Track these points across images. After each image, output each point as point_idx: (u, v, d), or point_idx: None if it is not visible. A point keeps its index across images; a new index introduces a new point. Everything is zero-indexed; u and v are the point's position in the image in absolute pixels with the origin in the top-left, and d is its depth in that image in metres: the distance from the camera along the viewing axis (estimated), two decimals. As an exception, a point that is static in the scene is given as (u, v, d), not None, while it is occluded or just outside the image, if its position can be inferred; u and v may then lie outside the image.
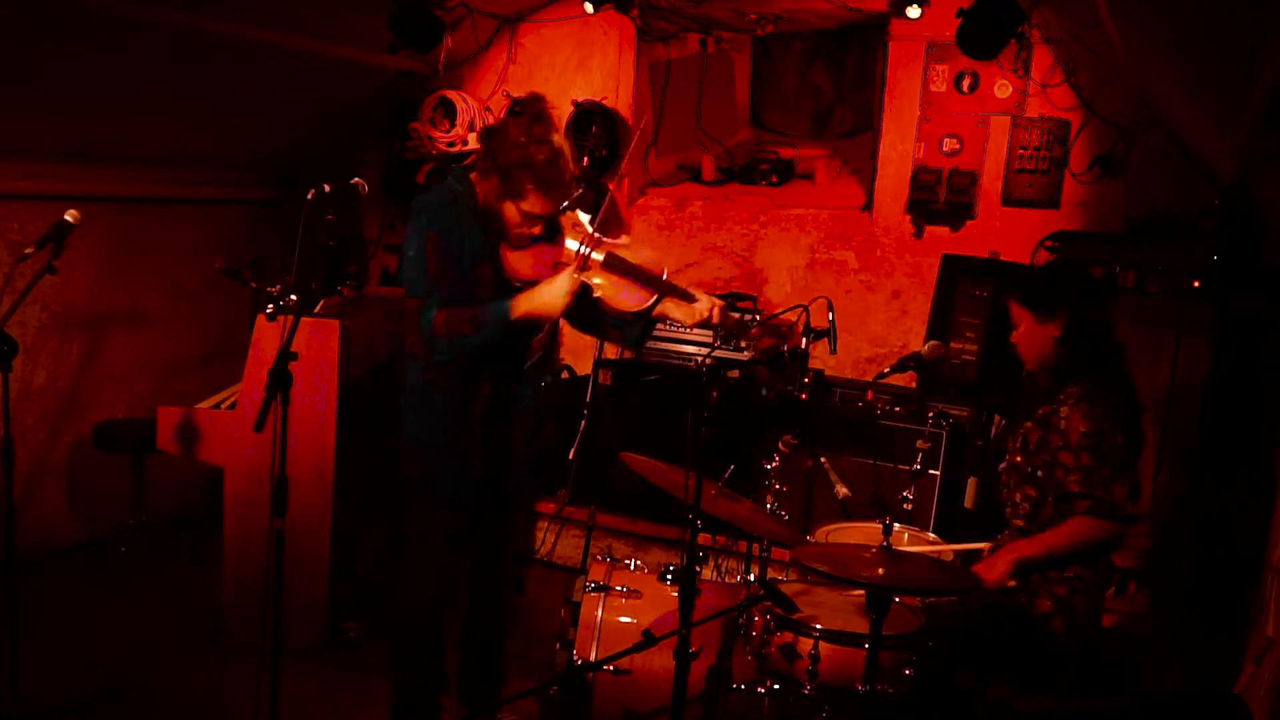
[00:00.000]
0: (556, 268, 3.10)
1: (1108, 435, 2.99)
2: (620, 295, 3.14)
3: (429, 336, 3.06)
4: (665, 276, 3.20)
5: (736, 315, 2.99)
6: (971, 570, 3.02)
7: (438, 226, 3.08)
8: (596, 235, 3.14)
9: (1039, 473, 3.09)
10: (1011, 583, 3.02)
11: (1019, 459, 3.17)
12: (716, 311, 3.14)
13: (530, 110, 3.06)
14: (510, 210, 3.05)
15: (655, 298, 3.16)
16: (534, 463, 3.47)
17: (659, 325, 3.51)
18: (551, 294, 3.04)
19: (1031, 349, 3.17)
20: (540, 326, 3.18)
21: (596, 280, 3.10)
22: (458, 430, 3.19)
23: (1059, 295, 3.13)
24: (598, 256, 3.14)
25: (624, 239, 3.29)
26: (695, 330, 4.74)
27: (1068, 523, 3.00)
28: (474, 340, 3.05)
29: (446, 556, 3.31)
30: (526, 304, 3.05)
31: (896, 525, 2.98)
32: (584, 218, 3.21)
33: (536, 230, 3.10)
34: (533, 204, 3.02)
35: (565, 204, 3.10)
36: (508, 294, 3.08)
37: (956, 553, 3.34)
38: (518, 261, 3.11)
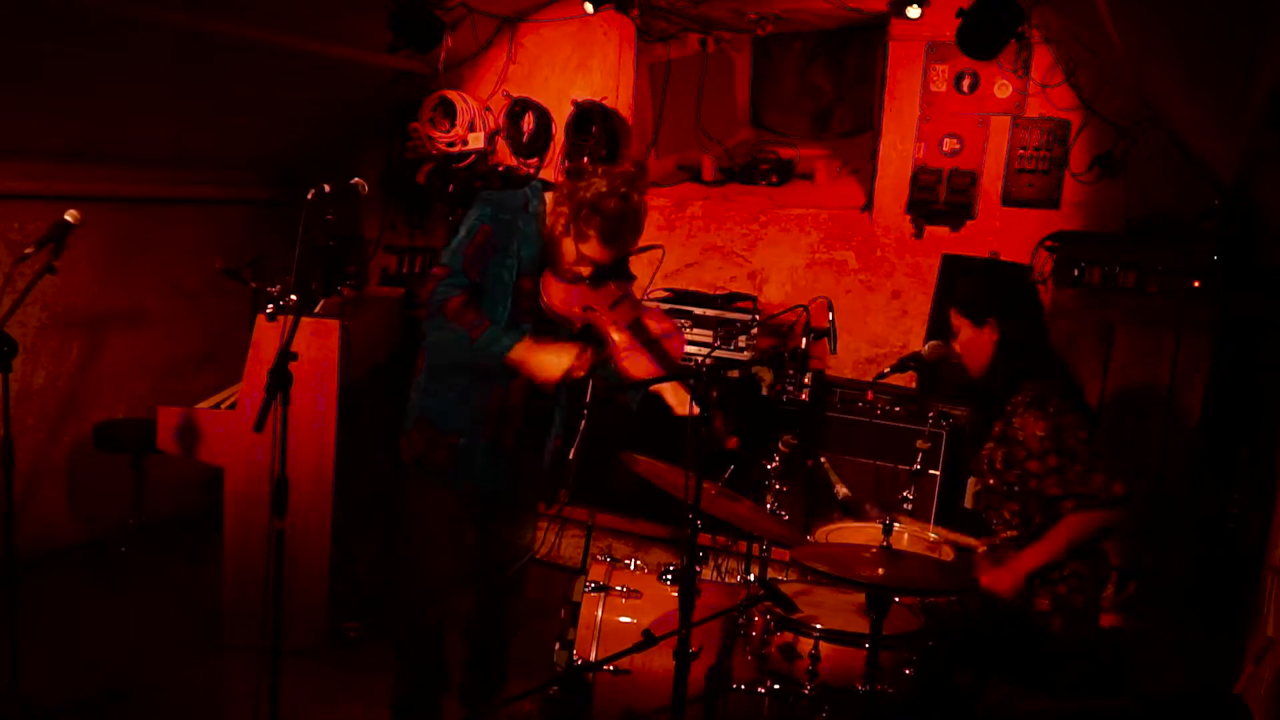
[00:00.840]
0: (586, 311, 3.14)
1: (1067, 429, 3.01)
2: (630, 362, 3.16)
3: (435, 308, 3.06)
4: (679, 361, 3.25)
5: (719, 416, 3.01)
6: (983, 586, 3.03)
7: (496, 221, 3.12)
8: (622, 314, 3.18)
9: (1015, 487, 3.11)
10: (1012, 594, 3.04)
11: (991, 481, 3.19)
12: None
13: (625, 166, 3.11)
14: (569, 246, 3.08)
15: (663, 374, 3.16)
16: (559, 469, 3.47)
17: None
18: (549, 364, 3.03)
19: (973, 356, 3.22)
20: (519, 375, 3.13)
21: (615, 355, 3.13)
22: (495, 404, 3.17)
23: (989, 300, 3.17)
24: (617, 336, 3.16)
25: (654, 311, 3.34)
26: (695, 331, 4.78)
27: (1060, 524, 3.03)
28: (465, 345, 3.05)
29: (447, 541, 3.28)
30: (525, 354, 3.03)
31: (897, 526, 2.99)
32: (611, 298, 3.22)
33: (586, 272, 3.12)
34: (592, 249, 3.05)
35: (621, 257, 3.13)
36: (523, 330, 3.09)
37: (949, 541, 3.35)
38: (553, 291, 3.14)
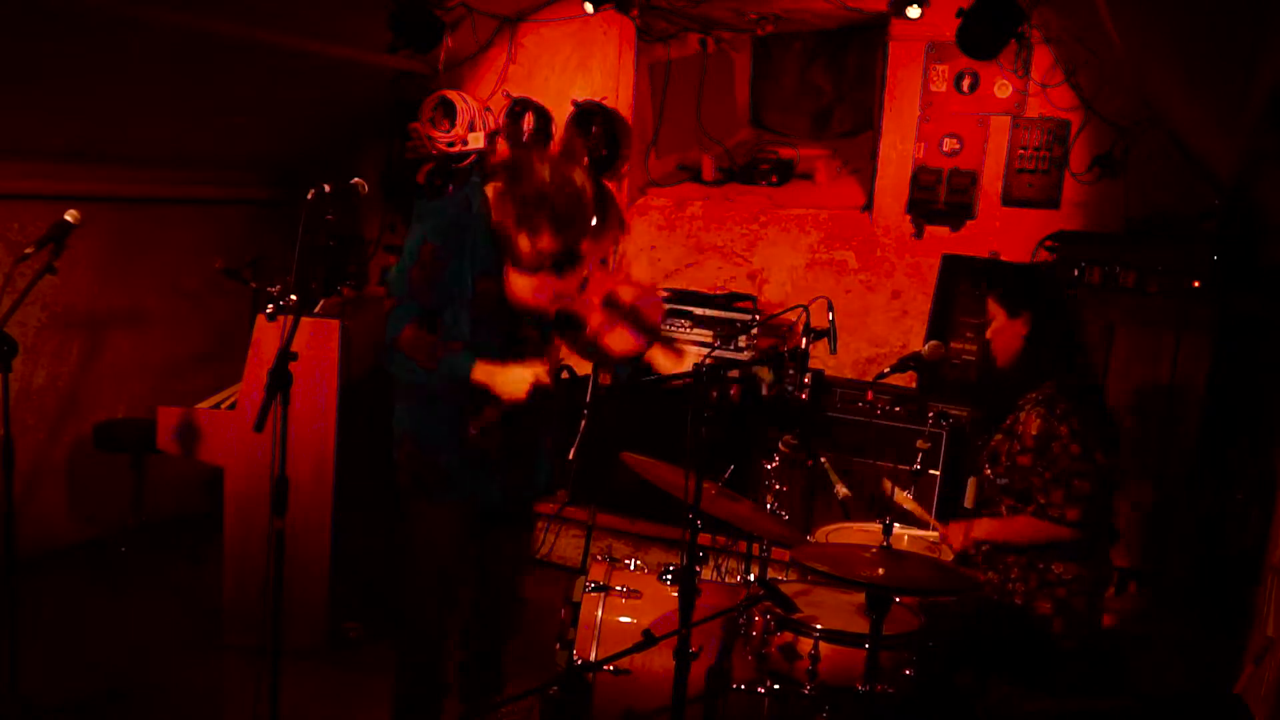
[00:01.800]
0: (557, 299, 3.10)
1: (1059, 440, 3.02)
2: (613, 338, 3.15)
3: (389, 346, 3.02)
4: (660, 327, 3.24)
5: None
6: (942, 530, 3.21)
7: (440, 237, 3.03)
8: (593, 293, 3.15)
9: (1009, 482, 3.13)
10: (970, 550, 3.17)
11: (989, 471, 3.22)
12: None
13: (556, 148, 3.04)
14: (524, 241, 2.99)
15: (647, 343, 3.17)
16: (552, 470, 3.45)
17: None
18: (510, 382, 2.99)
19: (1002, 346, 3.24)
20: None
21: (591, 332, 3.12)
22: (474, 420, 3.14)
23: (1027, 292, 3.20)
24: (593, 317, 3.14)
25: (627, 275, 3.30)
26: (695, 331, 4.78)
27: (1019, 518, 3.11)
28: (425, 378, 3.01)
29: (449, 554, 3.28)
30: (485, 377, 2.99)
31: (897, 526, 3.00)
32: (578, 280, 3.19)
33: (548, 262, 3.06)
34: (547, 243, 2.98)
35: (579, 240, 3.07)
36: (478, 351, 3.02)
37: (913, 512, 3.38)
38: (520, 286, 3.08)
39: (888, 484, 3.29)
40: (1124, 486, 3.36)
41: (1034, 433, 3.05)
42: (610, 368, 3.32)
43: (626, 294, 3.20)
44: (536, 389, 2.98)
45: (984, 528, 3.16)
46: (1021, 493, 3.12)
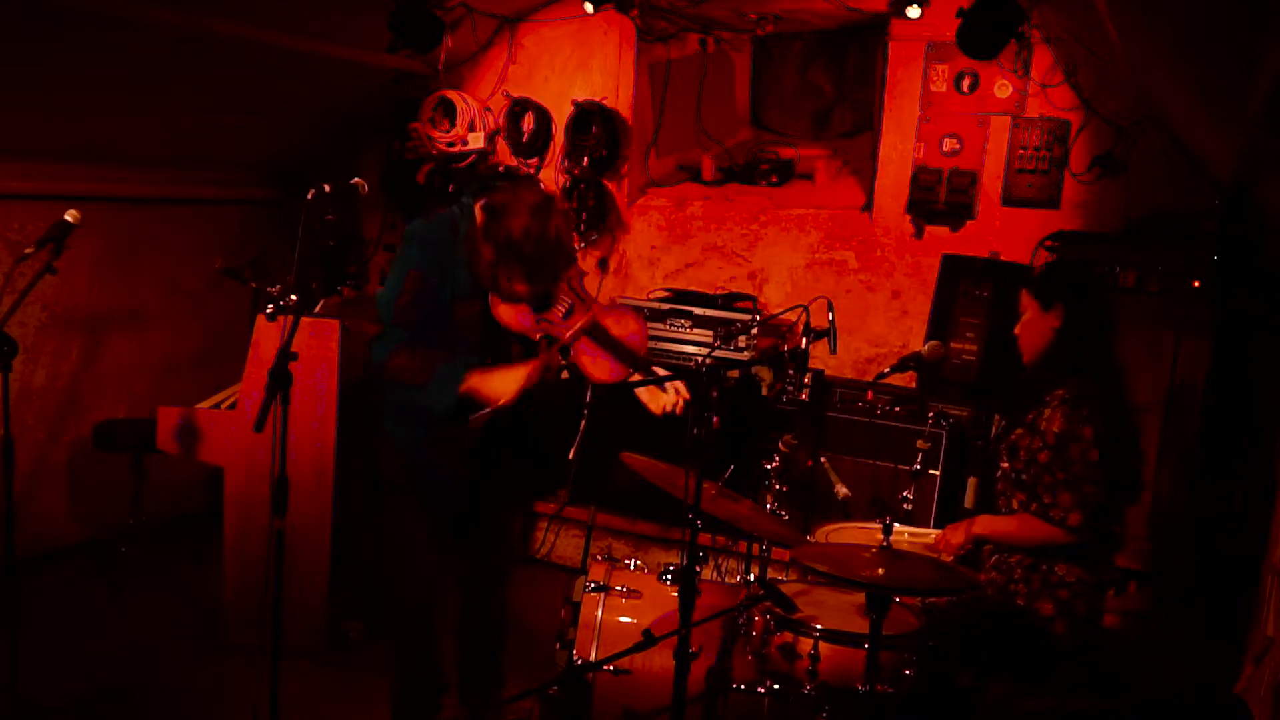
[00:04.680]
0: (539, 323, 3.14)
1: (1080, 442, 3.00)
2: (594, 365, 3.18)
3: (378, 370, 3.06)
4: (643, 355, 3.26)
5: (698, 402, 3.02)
6: (940, 532, 3.18)
7: (425, 265, 3.07)
8: (575, 322, 3.18)
9: (1024, 476, 3.11)
10: (959, 548, 3.17)
11: (1006, 464, 3.20)
12: (680, 405, 3.12)
13: (532, 196, 3.04)
14: (501, 279, 3.05)
15: (629, 371, 3.19)
16: (524, 472, 3.48)
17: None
18: (504, 383, 3.01)
19: (1030, 340, 3.22)
20: (485, 405, 3.09)
21: (579, 360, 3.17)
22: (447, 445, 3.18)
23: (1062, 285, 3.18)
24: (575, 345, 3.17)
25: (614, 315, 3.33)
26: (695, 331, 4.78)
27: (1019, 517, 3.09)
28: (420, 397, 3.04)
29: (426, 554, 3.30)
30: (478, 382, 3.02)
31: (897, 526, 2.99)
32: (562, 309, 3.23)
33: (526, 298, 3.12)
34: (523, 289, 3.05)
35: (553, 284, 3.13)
36: (469, 362, 3.06)
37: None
38: (502, 310, 3.14)
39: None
40: (1139, 500, 3.32)
41: (1056, 430, 3.02)
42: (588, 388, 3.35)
43: (613, 324, 3.24)
44: (526, 391, 3.00)
45: (984, 523, 3.17)
46: (1032, 485, 3.10)
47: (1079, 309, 3.13)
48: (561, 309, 3.19)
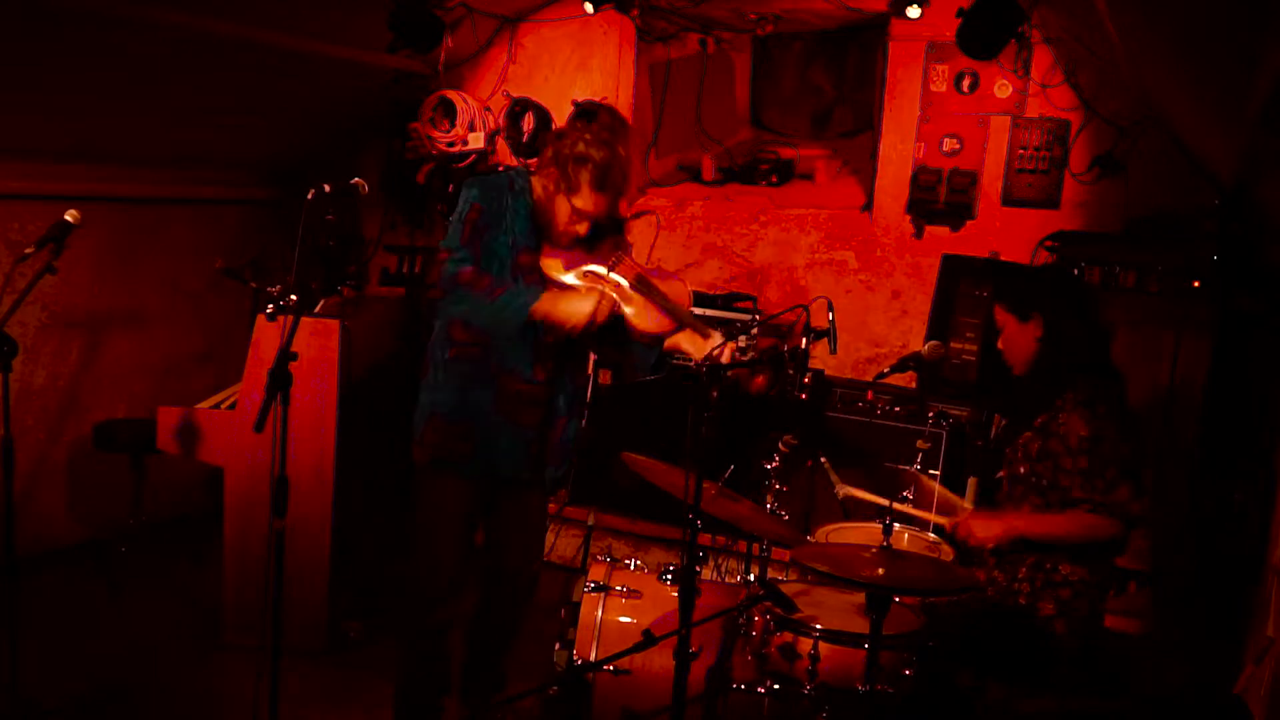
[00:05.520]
0: (587, 274, 3.14)
1: (1108, 439, 2.98)
2: (642, 315, 3.17)
3: (449, 282, 3.08)
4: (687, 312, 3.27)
5: (744, 360, 3.02)
6: (962, 519, 3.08)
7: (485, 200, 3.14)
8: (631, 264, 3.20)
9: (1044, 480, 3.09)
10: (990, 544, 3.05)
11: (1022, 469, 3.16)
12: (726, 352, 3.09)
13: (602, 117, 3.11)
14: (562, 206, 3.10)
15: (675, 325, 3.19)
16: (567, 456, 3.44)
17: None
18: (575, 307, 3.06)
19: (1016, 352, 3.21)
20: (551, 333, 3.14)
21: (626, 308, 3.16)
22: (503, 388, 3.19)
23: (1035, 295, 3.17)
24: (624, 281, 3.17)
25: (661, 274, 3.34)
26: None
27: (1072, 513, 3.01)
28: (486, 310, 3.07)
29: (457, 539, 3.28)
30: (549, 305, 3.05)
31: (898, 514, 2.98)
32: (612, 260, 3.24)
33: (583, 230, 3.14)
34: (585, 200, 3.06)
35: (617, 208, 3.16)
36: (540, 287, 3.11)
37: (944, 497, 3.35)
38: (551, 263, 3.15)
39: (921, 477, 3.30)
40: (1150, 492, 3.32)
41: (1084, 434, 2.99)
42: (634, 354, 3.32)
43: (657, 280, 3.23)
44: (592, 323, 3.06)
45: (1030, 523, 3.06)
46: (1049, 489, 3.08)
47: (1058, 314, 3.12)
48: (609, 258, 3.19)
